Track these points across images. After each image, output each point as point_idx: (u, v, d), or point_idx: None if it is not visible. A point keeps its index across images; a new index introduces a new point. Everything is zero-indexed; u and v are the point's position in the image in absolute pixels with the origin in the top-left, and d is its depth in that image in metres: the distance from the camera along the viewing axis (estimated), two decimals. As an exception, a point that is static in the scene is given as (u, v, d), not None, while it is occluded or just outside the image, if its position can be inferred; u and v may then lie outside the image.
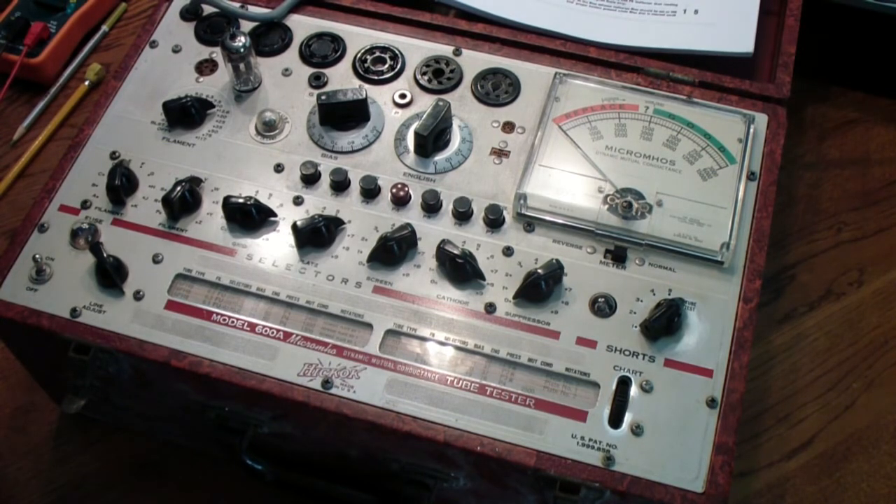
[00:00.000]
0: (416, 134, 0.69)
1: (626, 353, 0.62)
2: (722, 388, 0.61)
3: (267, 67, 0.75)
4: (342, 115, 0.71)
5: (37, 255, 0.65)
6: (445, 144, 0.71)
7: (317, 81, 0.74)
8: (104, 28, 0.98)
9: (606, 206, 0.67)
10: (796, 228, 0.84)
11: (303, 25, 0.77)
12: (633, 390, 0.61)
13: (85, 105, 0.94)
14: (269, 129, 0.72)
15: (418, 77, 0.74)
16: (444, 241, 0.65)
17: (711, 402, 0.60)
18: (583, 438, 0.59)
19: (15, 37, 0.93)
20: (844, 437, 0.75)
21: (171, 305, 0.65)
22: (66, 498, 0.74)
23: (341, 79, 0.75)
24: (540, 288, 0.63)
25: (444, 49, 0.76)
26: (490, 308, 0.64)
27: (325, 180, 0.69)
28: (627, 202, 0.67)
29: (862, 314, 0.80)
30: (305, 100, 0.73)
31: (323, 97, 0.71)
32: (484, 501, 0.66)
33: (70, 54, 0.96)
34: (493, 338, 0.63)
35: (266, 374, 0.62)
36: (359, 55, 0.75)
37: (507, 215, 0.68)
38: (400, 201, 0.68)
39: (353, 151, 0.71)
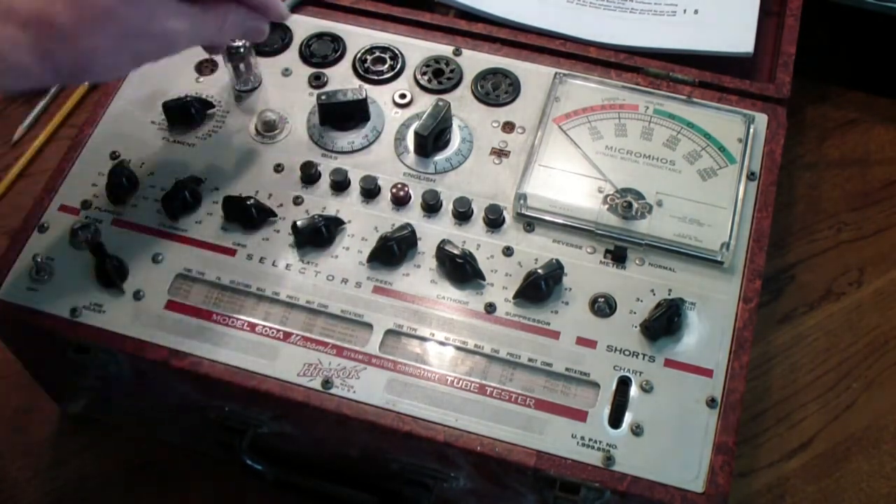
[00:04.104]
0: (416, 134, 0.69)
1: (626, 353, 0.62)
2: (722, 388, 0.61)
3: (267, 67, 0.75)
4: (342, 115, 0.71)
5: (37, 255, 0.65)
6: (445, 144, 0.71)
7: (317, 81, 0.74)
8: (104, 28, 0.98)
9: (606, 206, 0.67)
10: (796, 228, 0.84)
11: (303, 25, 0.77)
12: (633, 390, 0.61)
13: (85, 105, 0.94)
14: (269, 129, 0.72)
15: (418, 77, 0.74)
16: (444, 241, 0.65)
17: (711, 402, 0.60)
18: (583, 438, 0.59)
19: (15, 37, 0.93)
20: (844, 437, 0.75)
21: (171, 305, 0.65)
22: (66, 498, 0.74)
23: (341, 79, 0.75)
24: (540, 288, 0.63)
25: (444, 49, 0.76)
26: (490, 308, 0.64)
27: (325, 180, 0.69)
28: (627, 202, 0.67)
29: (862, 314, 0.80)
30: (305, 100, 0.73)
31: (323, 97, 0.71)
32: (484, 501, 0.66)
33: (70, 54, 0.96)
34: (493, 338, 0.63)
35: (266, 374, 0.62)
36: (359, 55, 0.75)
37: (507, 215, 0.68)
38: (400, 201, 0.68)
39: (353, 151, 0.71)
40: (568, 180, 0.69)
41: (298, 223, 0.66)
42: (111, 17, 0.55)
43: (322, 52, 0.76)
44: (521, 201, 0.68)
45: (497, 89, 0.74)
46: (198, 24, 0.60)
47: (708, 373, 0.61)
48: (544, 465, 0.59)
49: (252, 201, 0.67)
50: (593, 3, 0.81)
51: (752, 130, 0.70)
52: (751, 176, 0.69)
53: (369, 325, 0.64)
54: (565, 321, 0.63)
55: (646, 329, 0.63)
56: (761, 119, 0.71)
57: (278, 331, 0.64)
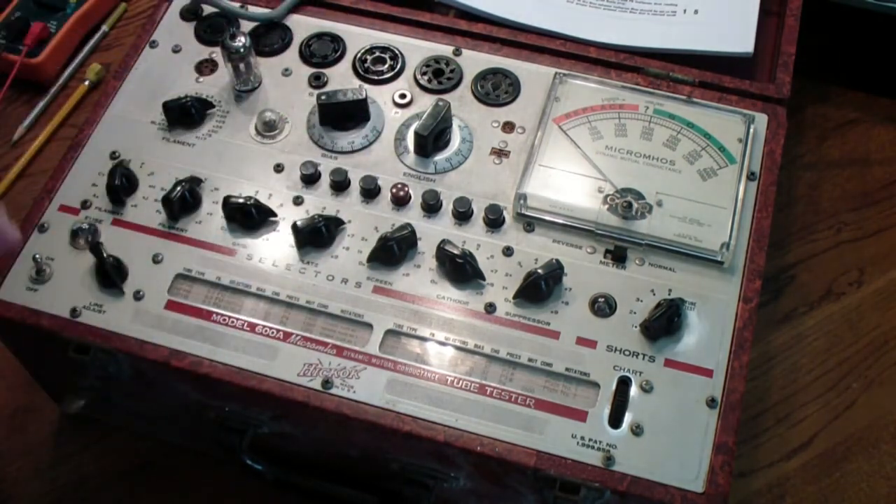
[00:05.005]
0: (416, 134, 0.69)
1: (626, 353, 0.62)
2: (722, 388, 0.61)
3: (267, 67, 0.75)
4: (342, 115, 0.71)
5: (37, 255, 0.65)
6: (445, 144, 0.71)
7: (317, 81, 0.74)
8: (104, 28, 0.98)
9: (606, 206, 0.67)
10: (796, 228, 0.84)
11: (303, 25, 0.77)
12: (633, 390, 0.61)
13: (85, 105, 0.94)
14: (269, 129, 0.72)
15: (418, 77, 0.74)
16: (444, 241, 0.65)
17: (711, 402, 0.60)
18: (583, 438, 0.59)
19: (15, 37, 0.93)
20: (844, 437, 0.75)
21: (171, 305, 0.65)
22: (66, 498, 0.74)
23: (341, 79, 0.75)
24: (540, 288, 0.63)
25: (444, 49, 0.76)
26: (490, 308, 0.64)
27: (325, 180, 0.69)
28: (627, 202, 0.67)
29: (862, 314, 0.80)
30: (305, 100, 0.73)
31: (323, 97, 0.71)
32: (484, 501, 0.66)
33: (70, 54, 0.96)
34: (493, 338, 0.63)
35: (266, 374, 0.62)
36: (359, 55, 0.75)
37: (507, 215, 0.68)
38: (400, 201, 0.68)
39: (353, 151, 0.71)
40: (568, 180, 0.69)
41: (298, 223, 0.66)
42: None
43: (322, 52, 0.76)
44: (521, 201, 0.68)
45: (497, 89, 0.74)
46: None
47: (708, 373, 0.61)
48: (544, 465, 0.59)
49: (252, 201, 0.67)
50: (593, 3, 0.81)
51: (752, 130, 0.70)
52: (751, 176, 0.69)
53: (369, 325, 0.64)
54: (565, 321, 0.63)
55: (646, 329, 0.63)
56: (761, 119, 0.71)
57: (278, 331, 0.64)
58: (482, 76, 0.74)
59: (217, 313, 0.64)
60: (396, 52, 0.75)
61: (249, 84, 0.74)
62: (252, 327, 0.64)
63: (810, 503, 0.72)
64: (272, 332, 0.63)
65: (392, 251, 0.65)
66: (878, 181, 0.87)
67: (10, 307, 0.65)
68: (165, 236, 0.67)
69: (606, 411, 0.60)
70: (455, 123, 0.71)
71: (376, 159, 0.71)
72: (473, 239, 0.67)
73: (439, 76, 0.74)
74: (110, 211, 0.68)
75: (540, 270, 0.63)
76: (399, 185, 0.68)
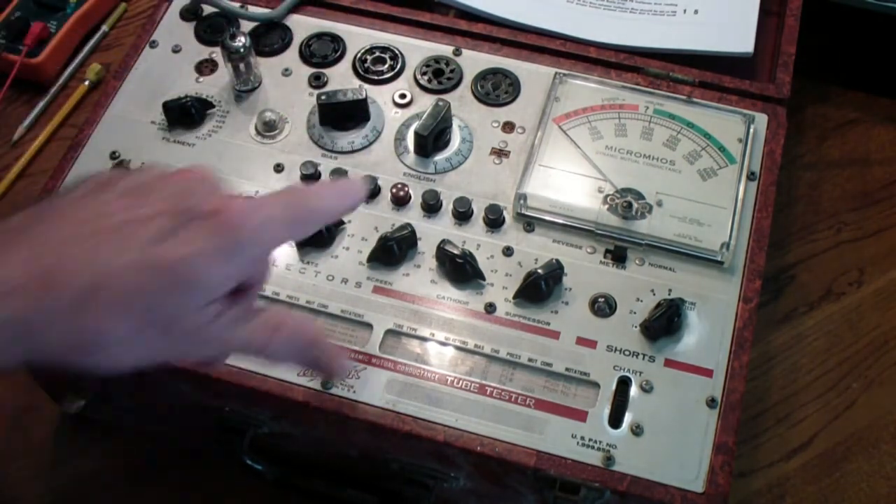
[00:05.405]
0: (416, 134, 0.69)
1: (626, 353, 0.62)
2: (722, 388, 0.61)
3: (267, 67, 0.75)
4: (342, 115, 0.71)
5: (37, 255, 0.65)
6: (445, 144, 0.71)
7: (317, 81, 0.74)
8: (104, 28, 0.98)
9: (606, 206, 0.67)
10: (796, 228, 0.84)
11: (303, 25, 0.77)
12: (633, 390, 0.61)
13: (85, 105, 0.94)
14: (269, 129, 0.72)
15: (418, 77, 0.74)
16: (444, 241, 0.65)
17: (711, 402, 0.60)
18: (583, 438, 0.59)
19: (15, 37, 0.93)
20: (844, 437, 0.75)
21: (171, 305, 0.64)
22: (66, 498, 0.74)
23: (341, 79, 0.75)
24: (540, 288, 0.63)
25: (444, 49, 0.76)
26: (490, 308, 0.64)
27: (326, 180, 0.69)
28: (627, 202, 0.67)
29: (862, 314, 0.80)
30: (305, 100, 0.73)
31: (323, 97, 0.71)
32: (484, 501, 0.66)
33: (70, 54, 0.96)
34: (493, 338, 0.63)
35: (266, 374, 0.62)
36: (359, 55, 0.75)
37: (507, 215, 0.68)
38: (400, 201, 0.68)
39: (353, 151, 0.71)
40: (568, 180, 0.69)
41: (298, 223, 0.66)
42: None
43: (322, 52, 0.76)
44: (521, 201, 0.68)
45: (497, 89, 0.74)
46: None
47: (708, 373, 0.61)
48: (544, 465, 0.59)
49: (252, 201, 0.67)
50: (593, 3, 0.81)
51: (752, 130, 0.70)
52: (751, 176, 0.69)
53: (369, 325, 0.64)
54: (565, 321, 0.63)
55: (646, 329, 0.63)
56: (761, 119, 0.71)
57: (278, 331, 0.63)
58: (482, 76, 0.74)
59: (217, 313, 0.64)
60: (396, 52, 0.75)
61: (249, 84, 0.74)
62: (252, 327, 0.64)
63: (810, 503, 0.72)
64: (272, 332, 0.63)
65: (392, 251, 0.65)
66: (878, 181, 0.87)
67: (10, 307, 0.65)
68: (165, 236, 0.67)
69: (606, 411, 0.60)
70: (455, 123, 0.71)
71: (376, 159, 0.71)
72: (473, 239, 0.67)
73: (439, 76, 0.74)
74: (110, 211, 0.68)
75: (540, 270, 0.63)
76: (399, 185, 0.68)
